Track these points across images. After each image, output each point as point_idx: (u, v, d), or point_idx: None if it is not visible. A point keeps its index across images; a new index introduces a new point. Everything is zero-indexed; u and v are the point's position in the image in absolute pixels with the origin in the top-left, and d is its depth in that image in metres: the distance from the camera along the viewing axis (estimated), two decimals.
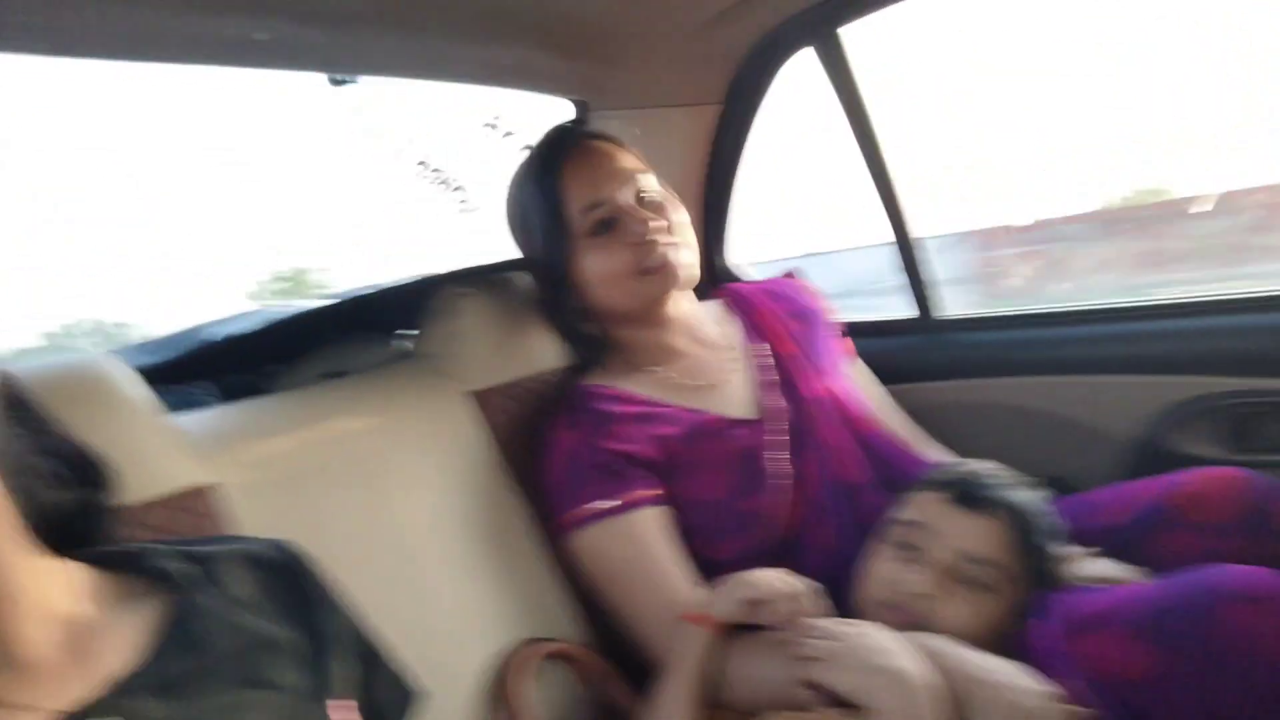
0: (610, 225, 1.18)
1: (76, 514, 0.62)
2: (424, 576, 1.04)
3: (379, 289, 1.21)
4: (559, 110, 1.53)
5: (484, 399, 1.22)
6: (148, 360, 1.12)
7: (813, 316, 1.36)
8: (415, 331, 1.30)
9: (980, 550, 0.98)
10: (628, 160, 1.22)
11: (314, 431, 1.06)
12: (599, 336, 1.26)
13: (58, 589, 0.57)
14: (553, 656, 1.08)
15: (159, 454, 0.89)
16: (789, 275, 1.46)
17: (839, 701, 0.91)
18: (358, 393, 1.16)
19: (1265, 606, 0.85)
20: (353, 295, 1.20)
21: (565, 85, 1.48)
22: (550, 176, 1.19)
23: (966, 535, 0.99)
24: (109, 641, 0.57)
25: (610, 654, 1.14)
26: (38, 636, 0.54)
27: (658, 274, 1.17)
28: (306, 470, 1.01)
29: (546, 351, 1.32)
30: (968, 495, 1.01)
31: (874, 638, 0.89)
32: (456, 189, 1.37)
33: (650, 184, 1.21)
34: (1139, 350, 1.40)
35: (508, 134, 1.38)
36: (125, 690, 0.55)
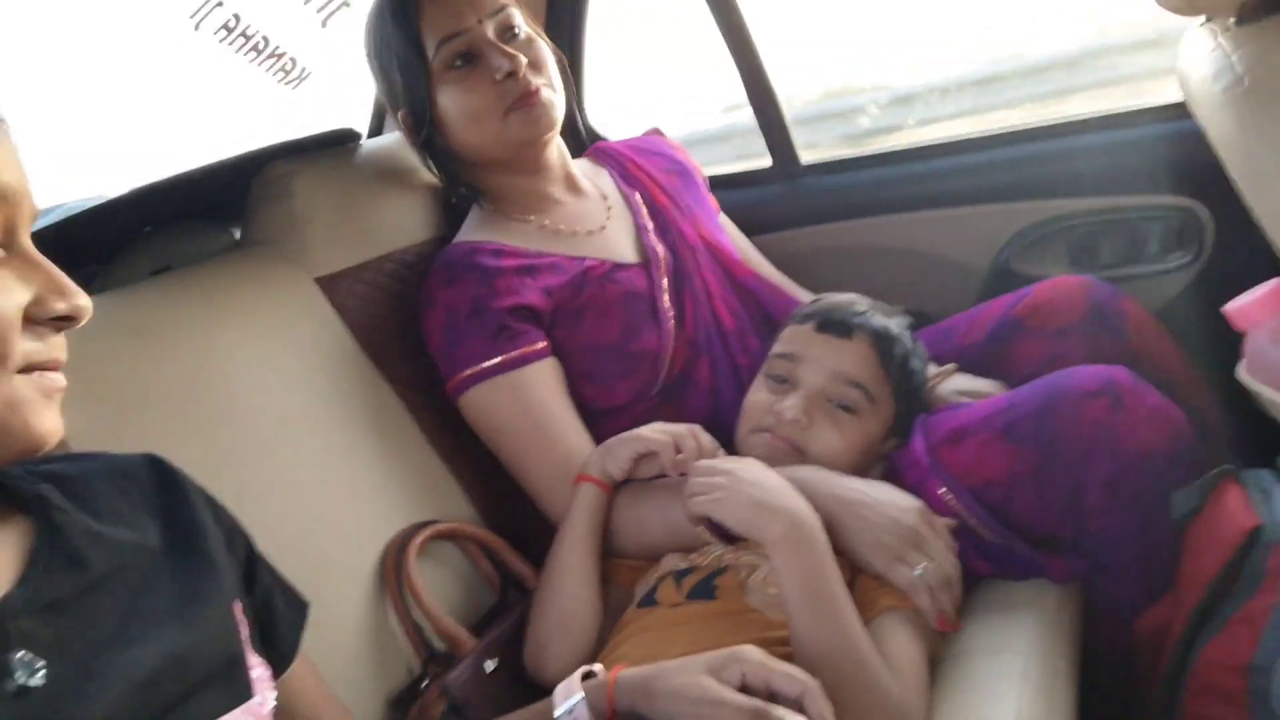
0: (471, 59, 1.11)
1: None
2: (294, 476, 0.99)
3: (194, 170, 1.09)
4: None
5: (331, 284, 1.14)
6: None
7: (683, 170, 1.35)
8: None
9: (846, 370, 1.01)
10: None
11: (142, 332, 0.96)
12: (471, 185, 1.21)
13: None
14: (443, 536, 1.06)
15: None
16: (655, 132, 1.42)
17: (729, 537, 0.93)
18: (188, 287, 1.05)
19: (1101, 400, 0.92)
20: (166, 179, 1.08)
21: None
22: (406, 6, 1.11)
23: (833, 358, 1.02)
24: None
25: (502, 529, 1.12)
26: None
27: (525, 111, 1.11)
28: (139, 374, 0.92)
29: (395, 228, 1.25)
30: (831, 322, 1.04)
31: (751, 472, 0.90)
32: (273, 56, 1.23)
33: (517, 19, 1.14)
34: (984, 180, 1.44)
35: None
36: (10, 614, 0.53)
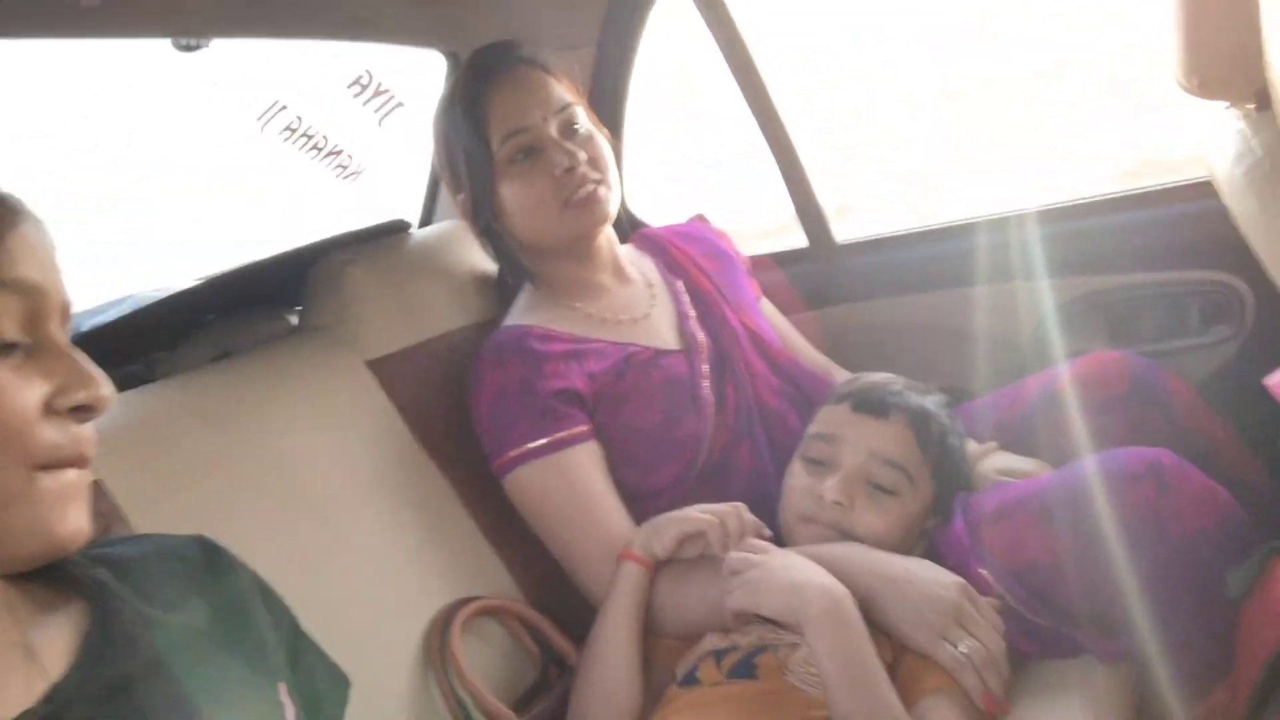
0: (533, 154, 1.16)
1: None
2: (341, 552, 1.01)
3: (255, 262, 1.16)
4: (430, 65, 1.48)
5: (381, 367, 1.19)
6: None
7: (725, 257, 1.38)
8: (299, 305, 1.26)
9: (884, 451, 1.01)
10: (557, 89, 1.19)
11: (202, 416, 1.01)
12: (524, 269, 1.25)
13: None
14: (486, 612, 1.07)
15: None
16: (698, 218, 1.47)
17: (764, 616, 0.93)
18: (246, 372, 1.11)
19: (1146, 483, 0.91)
20: (229, 271, 1.14)
21: (431, 35, 1.43)
22: (473, 101, 1.17)
23: (870, 439, 1.02)
24: (40, 653, 0.56)
25: (545, 606, 1.13)
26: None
27: (582, 207, 1.15)
28: (199, 457, 0.96)
29: (443, 312, 1.30)
30: (868, 402, 1.05)
31: (783, 557, 0.91)
32: (332, 154, 1.31)
33: (580, 117, 1.19)
34: (1020, 257, 1.45)
35: (383, 92, 1.33)
36: (62, 699, 0.53)
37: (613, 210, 1.19)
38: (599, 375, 1.14)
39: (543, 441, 1.09)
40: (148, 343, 1.24)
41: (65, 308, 0.58)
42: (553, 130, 1.16)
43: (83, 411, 0.56)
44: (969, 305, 1.48)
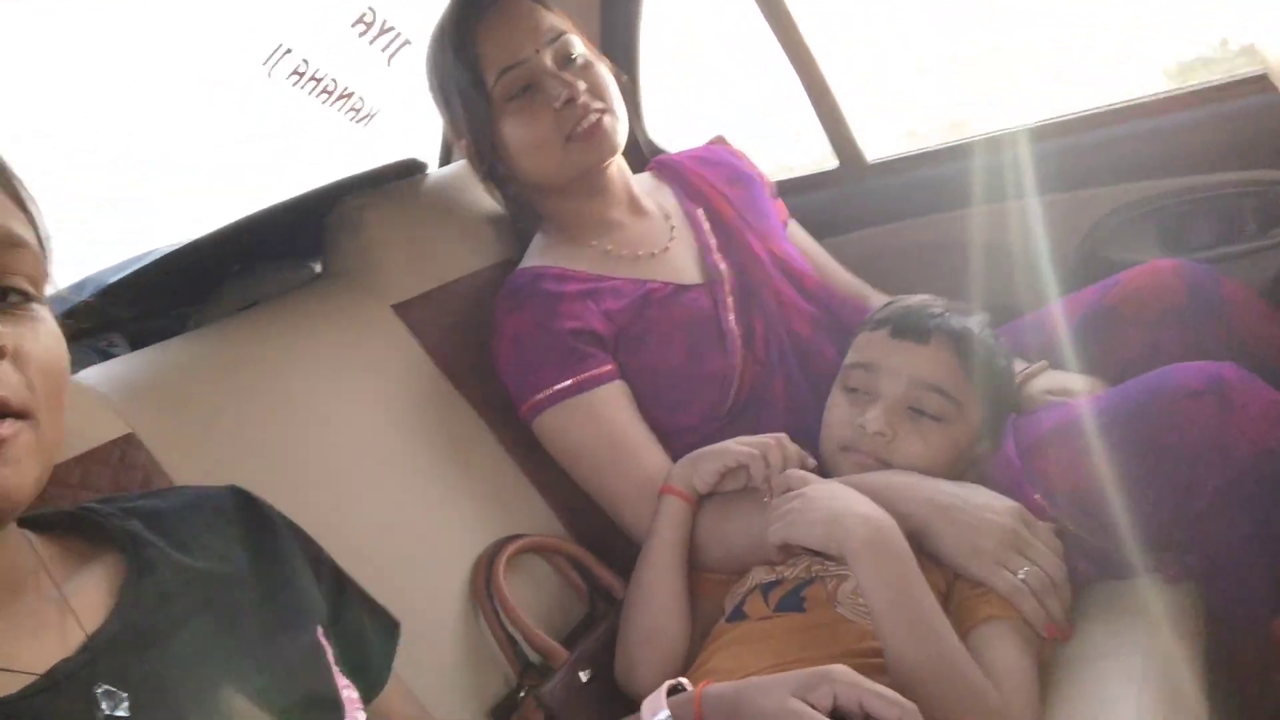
0: (530, 89, 1.11)
1: None
2: (381, 497, 1.01)
3: (270, 208, 1.13)
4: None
5: (408, 311, 1.17)
6: None
7: (747, 179, 1.32)
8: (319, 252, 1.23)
9: (926, 377, 0.98)
10: (549, 18, 1.14)
11: (230, 366, 0.99)
12: (534, 211, 1.22)
13: (24, 556, 0.57)
14: (530, 550, 1.06)
15: (68, 413, 0.82)
16: (717, 140, 1.41)
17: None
18: (271, 321, 1.09)
19: (1207, 400, 0.87)
20: (245, 218, 1.12)
21: None
22: (464, 38, 1.12)
23: (911, 365, 0.98)
24: (75, 603, 0.57)
25: (588, 541, 1.12)
26: (29, 602, 0.56)
27: (587, 140, 1.11)
28: (229, 407, 0.95)
29: (465, 253, 1.27)
30: (907, 326, 1.01)
31: (824, 488, 0.89)
32: (343, 96, 1.27)
33: (576, 45, 1.14)
34: (1063, 167, 1.39)
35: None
36: (99, 648, 0.54)
37: (620, 140, 1.14)
38: (617, 314, 1.11)
39: (567, 383, 1.07)
40: (177, 297, 1.23)
41: None
42: (548, 61, 1.11)
43: None
44: (1011, 219, 1.42)
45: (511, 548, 1.03)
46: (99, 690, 0.52)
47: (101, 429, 0.85)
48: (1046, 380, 1.09)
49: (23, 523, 0.60)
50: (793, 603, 0.90)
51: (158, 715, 0.54)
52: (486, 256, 1.29)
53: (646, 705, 0.73)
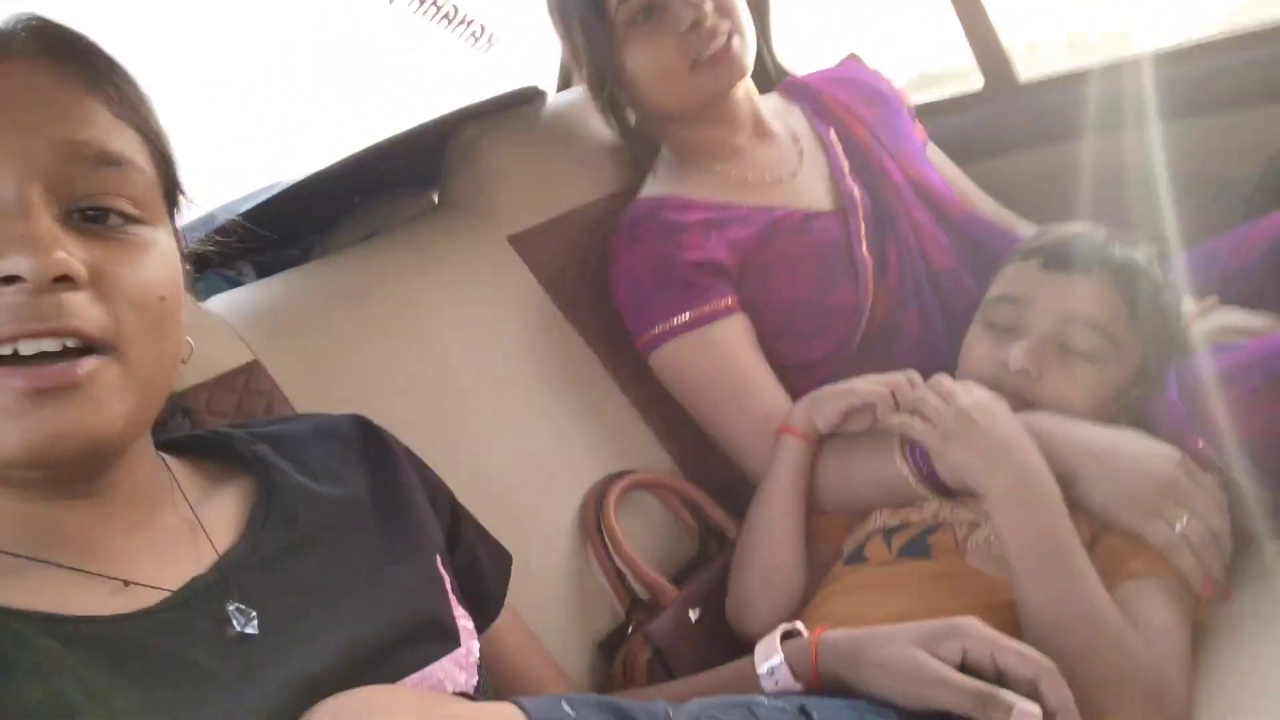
0: (653, 12, 1.05)
1: None
2: (495, 429, 1.01)
3: (390, 139, 1.13)
4: None
5: (523, 242, 1.15)
6: None
7: (883, 99, 1.23)
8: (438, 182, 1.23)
9: (1083, 312, 0.88)
10: None
11: (350, 296, 1.01)
12: (654, 141, 1.18)
13: (160, 477, 0.59)
14: (641, 486, 1.05)
15: (194, 340, 0.85)
16: (852, 59, 1.32)
17: (941, 487, 0.85)
18: (390, 252, 1.10)
19: None
20: (367, 149, 1.12)
21: None
22: None
23: (1065, 299, 0.90)
24: (210, 524, 0.59)
25: (700, 479, 1.10)
26: (165, 521, 0.57)
27: (715, 64, 1.05)
28: (348, 337, 0.97)
29: (583, 182, 1.24)
30: (1063, 257, 0.92)
31: (987, 415, 0.81)
32: (463, 24, 1.25)
33: None
34: (1245, 82, 1.24)
35: None
36: (230, 567, 0.56)
37: (748, 62, 1.08)
38: (743, 243, 1.06)
39: (686, 317, 1.03)
40: (303, 226, 1.26)
41: (61, 151, 0.50)
42: None
43: (12, 284, 0.47)
44: (1181, 141, 1.27)
45: (623, 483, 1.02)
46: (231, 607, 0.54)
47: (228, 356, 0.87)
48: (1218, 318, 0.97)
49: (159, 445, 0.62)
50: (918, 549, 0.85)
51: (284, 633, 0.55)
52: (605, 185, 1.26)
53: (760, 649, 0.70)
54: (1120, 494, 0.78)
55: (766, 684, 0.68)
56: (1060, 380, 0.88)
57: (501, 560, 0.76)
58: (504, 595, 0.75)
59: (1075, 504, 0.79)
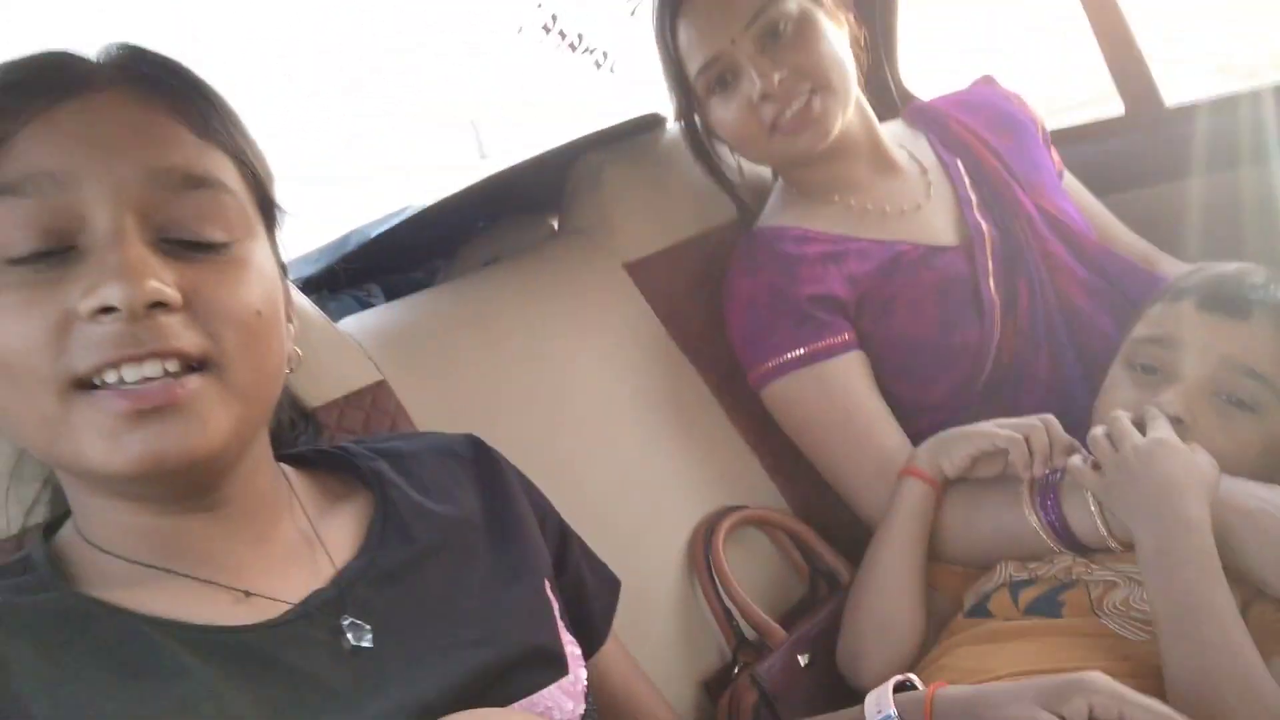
0: (728, 82, 1.04)
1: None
2: (606, 456, 1.01)
3: (517, 165, 1.16)
4: None
5: (639, 270, 1.16)
6: (309, 271, 1.14)
7: (1017, 125, 1.17)
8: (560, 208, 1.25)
9: (1243, 357, 0.82)
10: None
11: (472, 320, 1.03)
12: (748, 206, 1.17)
13: (282, 490, 0.61)
14: (751, 523, 1.03)
15: (327, 359, 0.89)
16: (985, 81, 1.27)
17: (1075, 543, 0.80)
18: (510, 277, 1.12)
19: None
20: (493, 175, 1.16)
21: None
22: (664, 28, 1.07)
23: (1225, 343, 0.83)
24: (328, 538, 0.60)
25: (812, 519, 1.07)
26: (285, 534, 0.59)
27: (795, 129, 1.02)
28: (469, 359, 0.99)
29: (699, 211, 1.24)
30: (1220, 297, 0.85)
31: (1161, 463, 0.75)
32: (588, 51, 1.28)
33: (786, 14, 1.01)
34: None
35: None
36: (348, 582, 0.57)
37: (834, 122, 1.02)
38: (862, 278, 1.03)
39: (801, 352, 1.01)
40: (430, 251, 1.31)
41: (150, 178, 0.50)
42: (748, 47, 1.01)
43: (108, 313, 0.47)
44: None
45: (732, 519, 1.00)
46: (346, 621, 0.55)
47: (358, 375, 0.91)
48: None
49: (282, 459, 0.64)
50: (1047, 606, 0.80)
51: (398, 648, 0.56)
52: (723, 214, 1.25)
53: (871, 700, 0.67)
54: (1276, 559, 0.71)
55: None
56: (1215, 431, 0.81)
57: (609, 585, 0.76)
58: (610, 621, 0.75)
59: (1226, 567, 0.73)
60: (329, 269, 1.13)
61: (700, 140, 1.13)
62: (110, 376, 0.48)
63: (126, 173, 0.50)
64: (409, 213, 1.19)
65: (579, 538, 0.75)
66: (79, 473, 0.51)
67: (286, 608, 0.55)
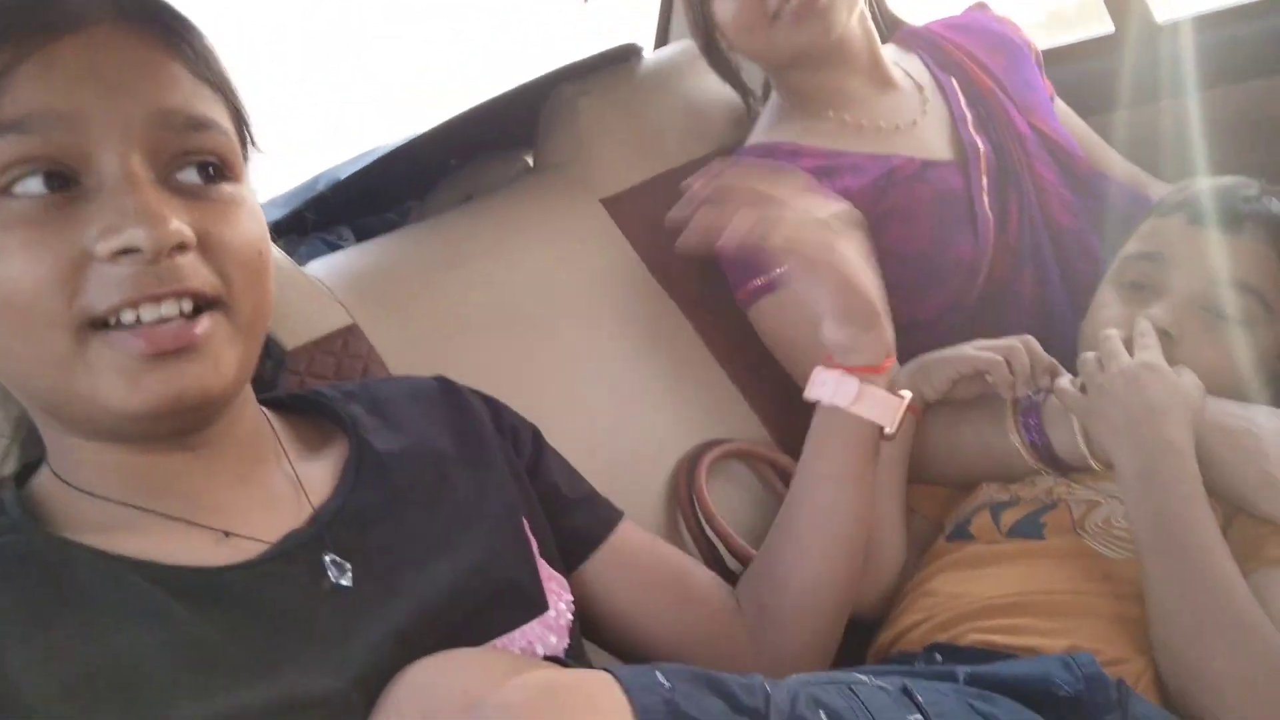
0: None
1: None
2: (586, 393, 1.00)
3: (488, 101, 1.13)
4: None
5: (616, 204, 1.13)
6: (276, 215, 1.11)
7: (1011, 47, 1.16)
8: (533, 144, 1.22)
9: (1234, 272, 0.80)
10: None
11: (445, 261, 1.01)
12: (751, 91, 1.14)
13: (264, 432, 0.61)
14: (734, 456, 1.03)
15: (296, 303, 0.87)
16: (978, 7, 1.24)
17: (1057, 463, 0.79)
18: (483, 216, 1.10)
19: None
20: (464, 113, 1.12)
21: None
22: None
23: (1215, 257, 0.81)
24: (305, 479, 0.60)
25: (795, 451, 1.06)
26: (267, 476, 0.59)
27: (797, 19, 0.99)
28: (443, 301, 0.97)
29: (681, 142, 1.21)
30: (1213, 211, 0.83)
31: (1140, 386, 0.74)
32: None
33: None
34: None
35: None
36: (325, 521, 0.57)
37: (840, 17, 1.00)
38: (856, 193, 1.00)
39: (781, 271, 0.98)
40: (402, 191, 1.28)
41: (154, 119, 0.50)
42: None
43: (128, 254, 0.47)
44: None
45: (715, 452, 0.99)
46: (327, 558, 0.55)
47: (327, 319, 0.89)
48: None
49: (261, 402, 0.64)
50: (1029, 528, 0.79)
51: (377, 585, 0.56)
52: (705, 144, 1.23)
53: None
54: (1256, 476, 0.71)
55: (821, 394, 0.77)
56: (1203, 345, 0.80)
57: (583, 486, 0.76)
58: (602, 515, 0.74)
59: (1208, 485, 0.72)
60: (297, 212, 1.10)
61: (703, 30, 1.09)
62: (127, 316, 0.48)
63: (133, 112, 0.49)
64: (380, 153, 1.16)
65: (555, 450, 0.75)
66: (91, 411, 0.50)
67: (265, 548, 0.55)
